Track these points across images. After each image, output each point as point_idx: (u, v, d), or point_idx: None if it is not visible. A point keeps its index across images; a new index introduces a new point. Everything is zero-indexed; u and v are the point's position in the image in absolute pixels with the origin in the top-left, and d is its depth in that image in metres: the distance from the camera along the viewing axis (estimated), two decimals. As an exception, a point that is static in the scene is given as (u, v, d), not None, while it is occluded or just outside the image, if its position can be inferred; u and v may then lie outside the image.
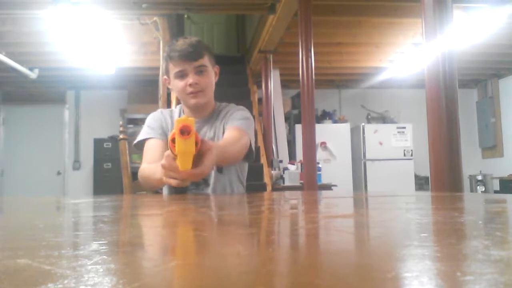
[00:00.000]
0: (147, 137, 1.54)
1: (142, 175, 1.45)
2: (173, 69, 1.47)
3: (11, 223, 0.64)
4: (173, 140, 1.06)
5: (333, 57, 6.22)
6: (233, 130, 1.46)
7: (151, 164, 1.41)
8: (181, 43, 1.46)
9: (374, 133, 7.17)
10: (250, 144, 1.49)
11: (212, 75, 1.52)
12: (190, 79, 1.45)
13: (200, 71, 1.46)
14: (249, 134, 1.49)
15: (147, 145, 1.54)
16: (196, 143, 1.07)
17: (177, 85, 1.48)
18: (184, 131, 1.05)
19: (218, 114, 1.59)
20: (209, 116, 1.58)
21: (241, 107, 1.62)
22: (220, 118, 1.57)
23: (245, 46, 7.00)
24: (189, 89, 1.45)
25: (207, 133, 1.55)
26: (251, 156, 1.53)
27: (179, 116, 1.57)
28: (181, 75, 1.46)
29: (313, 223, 0.55)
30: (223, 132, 1.51)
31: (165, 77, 1.54)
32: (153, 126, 1.56)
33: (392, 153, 7.13)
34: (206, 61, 1.49)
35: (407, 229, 0.48)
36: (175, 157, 1.08)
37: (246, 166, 1.63)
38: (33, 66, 6.17)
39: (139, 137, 1.57)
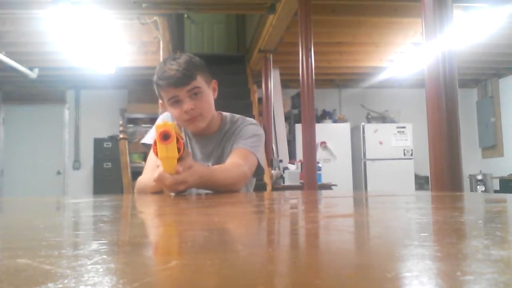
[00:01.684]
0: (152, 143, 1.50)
1: (138, 187, 1.44)
2: (165, 96, 1.37)
3: (11, 223, 0.64)
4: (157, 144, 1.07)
5: (333, 56, 6.22)
6: (235, 154, 1.39)
7: (147, 176, 1.41)
8: (168, 68, 1.33)
9: (374, 133, 7.17)
10: (259, 161, 1.44)
11: (208, 95, 1.41)
12: (185, 106, 1.34)
13: (194, 93, 1.35)
14: (257, 152, 1.43)
15: (150, 154, 1.49)
16: (179, 149, 1.07)
17: (172, 112, 1.39)
18: (165, 137, 1.05)
19: (226, 130, 1.50)
20: (216, 132, 1.50)
21: (250, 120, 1.53)
22: (228, 135, 1.50)
23: (245, 45, 7.00)
24: (186, 116, 1.35)
25: (214, 151, 1.49)
26: (260, 172, 1.48)
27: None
28: (175, 101, 1.35)
29: (313, 222, 0.55)
30: (231, 149, 1.46)
31: (160, 101, 1.44)
32: None
33: (392, 152, 7.13)
34: (199, 81, 1.36)
35: (407, 228, 0.48)
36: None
37: (253, 180, 1.58)
38: (33, 65, 6.17)
39: (147, 140, 1.52)
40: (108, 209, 0.86)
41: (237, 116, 1.55)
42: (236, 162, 1.35)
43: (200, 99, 1.36)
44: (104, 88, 7.42)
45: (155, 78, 1.36)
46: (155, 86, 1.39)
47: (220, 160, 1.47)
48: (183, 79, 1.32)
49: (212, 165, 1.44)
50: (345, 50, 6.05)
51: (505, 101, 7.59)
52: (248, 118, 1.55)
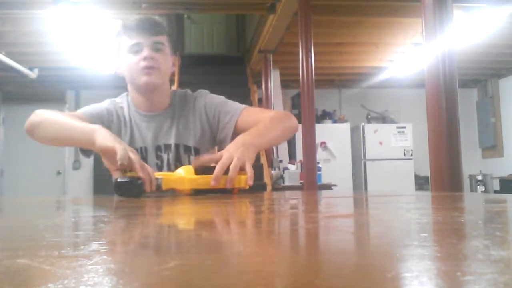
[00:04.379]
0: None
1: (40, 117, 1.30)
2: (127, 43, 1.27)
3: (11, 223, 0.64)
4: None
5: (333, 57, 6.22)
6: (249, 116, 1.32)
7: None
8: (140, 17, 1.29)
9: (374, 133, 7.17)
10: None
11: (169, 60, 1.33)
12: (145, 52, 1.24)
13: (157, 48, 1.27)
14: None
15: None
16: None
17: (129, 61, 1.27)
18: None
19: (176, 104, 1.38)
20: (168, 108, 1.38)
21: (203, 91, 1.42)
22: (184, 110, 1.37)
23: (245, 46, 7.00)
24: (143, 64, 1.25)
25: (172, 128, 1.35)
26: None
27: (128, 109, 1.35)
28: (136, 50, 1.26)
29: (313, 223, 0.55)
30: (200, 127, 1.36)
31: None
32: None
33: (392, 153, 7.13)
34: (165, 40, 1.30)
35: (407, 229, 0.48)
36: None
37: None
38: (33, 66, 6.17)
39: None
40: (108, 209, 0.86)
41: (180, 90, 1.45)
42: (266, 114, 1.30)
43: (162, 55, 1.29)
44: (104, 88, 7.41)
45: (121, 25, 1.30)
46: (118, 34, 1.31)
47: (184, 135, 1.35)
48: (153, 27, 1.28)
49: (176, 143, 1.33)
50: (345, 50, 6.05)
51: (505, 101, 7.58)
52: (200, 91, 1.44)
